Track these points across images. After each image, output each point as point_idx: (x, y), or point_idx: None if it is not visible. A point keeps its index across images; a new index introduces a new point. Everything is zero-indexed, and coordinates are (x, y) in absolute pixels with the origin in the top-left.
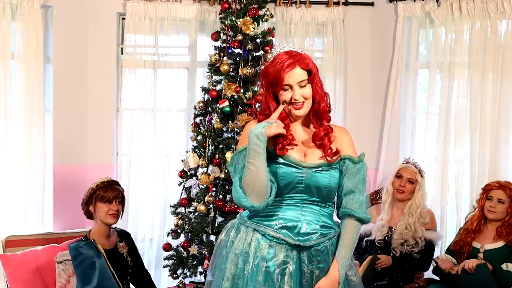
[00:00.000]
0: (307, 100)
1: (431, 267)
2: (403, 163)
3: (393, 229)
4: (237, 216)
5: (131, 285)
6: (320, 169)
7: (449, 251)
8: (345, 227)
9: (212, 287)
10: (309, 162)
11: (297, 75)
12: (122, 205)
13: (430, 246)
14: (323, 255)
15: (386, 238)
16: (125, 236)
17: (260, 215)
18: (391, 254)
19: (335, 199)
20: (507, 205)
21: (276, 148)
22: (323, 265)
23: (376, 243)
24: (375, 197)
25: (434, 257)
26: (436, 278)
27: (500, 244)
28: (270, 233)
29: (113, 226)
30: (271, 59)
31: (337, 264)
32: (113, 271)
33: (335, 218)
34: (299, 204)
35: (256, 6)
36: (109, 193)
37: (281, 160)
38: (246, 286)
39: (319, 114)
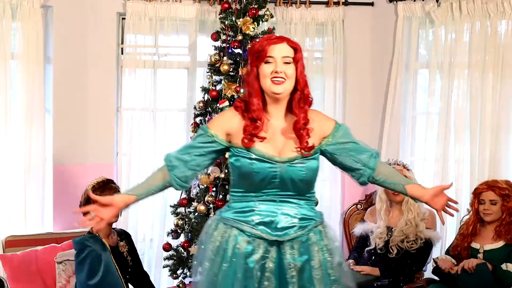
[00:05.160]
0: (288, 79)
1: (431, 267)
2: None
3: (392, 229)
4: (216, 212)
5: (129, 285)
6: (295, 162)
7: (448, 254)
8: (384, 168)
9: (193, 282)
10: (283, 155)
11: (282, 49)
12: None
13: (428, 245)
14: (306, 245)
15: (386, 240)
16: (125, 236)
17: (236, 211)
18: (388, 254)
19: (315, 189)
20: (500, 204)
21: (242, 140)
22: (307, 256)
23: (378, 251)
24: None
25: (433, 257)
26: (436, 278)
27: (499, 244)
28: (247, 229)
29: (113, 226)
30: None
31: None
32: (117, 267)
33: (318, 208)
34: (275, 199)
35: (256, 6)
36: (106, 192)
37: (253, 156)
38: (223, 283)
39: (302, 101)
